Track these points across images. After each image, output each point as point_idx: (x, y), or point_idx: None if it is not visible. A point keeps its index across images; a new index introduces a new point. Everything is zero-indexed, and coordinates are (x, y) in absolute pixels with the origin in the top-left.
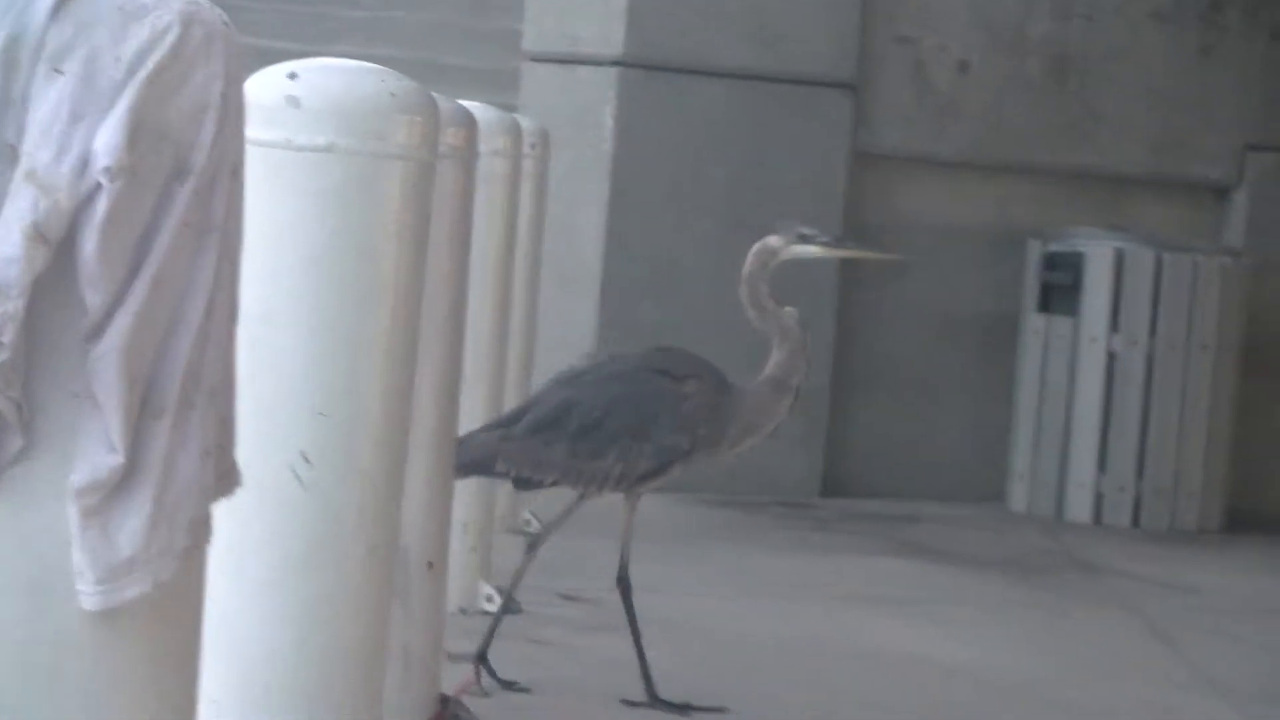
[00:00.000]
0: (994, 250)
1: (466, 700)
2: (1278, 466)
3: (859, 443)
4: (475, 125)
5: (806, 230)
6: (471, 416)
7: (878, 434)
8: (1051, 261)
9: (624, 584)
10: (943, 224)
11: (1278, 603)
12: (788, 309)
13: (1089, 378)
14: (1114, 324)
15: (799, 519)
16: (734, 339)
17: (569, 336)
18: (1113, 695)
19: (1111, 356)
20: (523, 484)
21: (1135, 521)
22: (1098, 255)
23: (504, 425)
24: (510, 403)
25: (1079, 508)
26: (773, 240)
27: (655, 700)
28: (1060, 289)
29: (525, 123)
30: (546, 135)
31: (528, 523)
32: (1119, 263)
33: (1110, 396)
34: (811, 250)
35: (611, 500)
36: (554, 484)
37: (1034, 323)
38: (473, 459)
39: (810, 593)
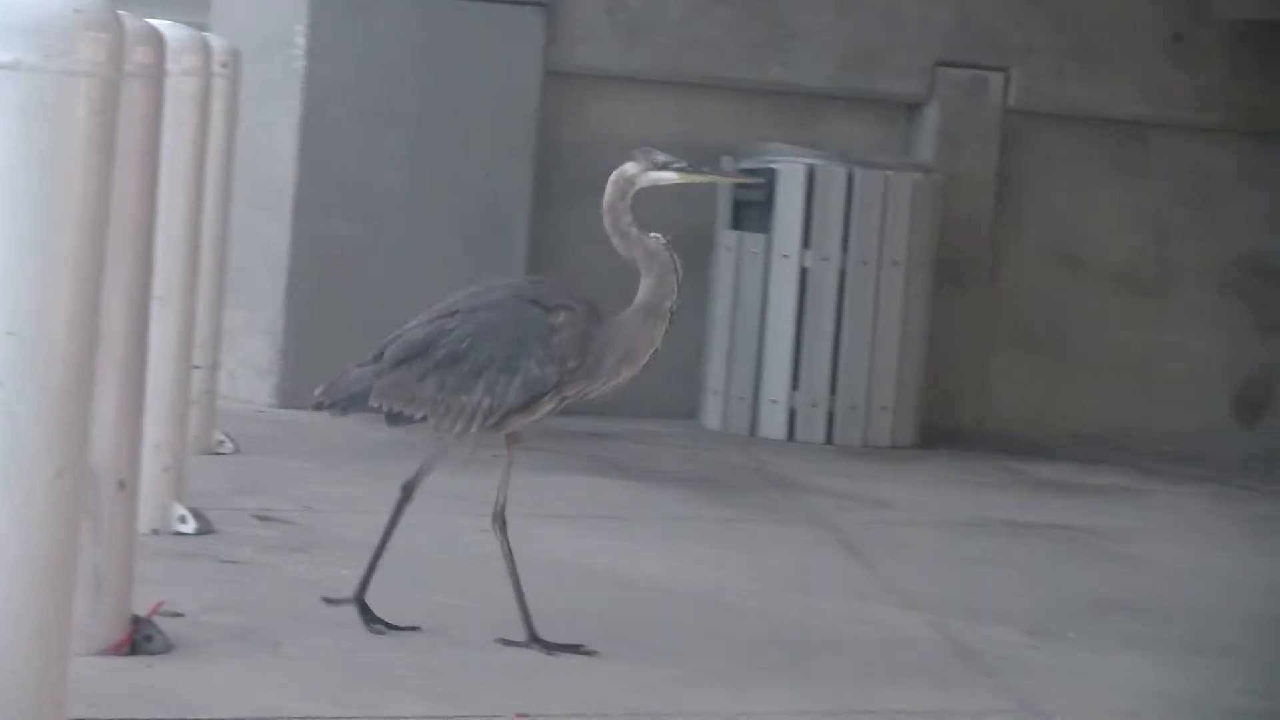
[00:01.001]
0: None
1: (158, 621)
2: (970, 381)
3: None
4: (164, 43)
5: (662, 156)
6: (163, 337)
7: None
8: None
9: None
10: (636, 141)
11: (967, 517)
12: (653, 234)
13: (782, 295)
14: (806, 240)
15: (496, 437)
16: (428, 255)
17: (262, 256)
18: (805, 608)
19: (804, 273)
20: (394, 419)
21: (829, 438)
22: (789, 172)
23: (377, 359)
24: (202, 324)
25: (773, 424)
26: (629, 167)
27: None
28: (752, 205)
29: (216, 41)
30: (238, 54)
31: (221, 443)
32: (810, 179)
33: (803, 313)
34: (668, 175)
35: (314, 420)
36: (423, 419)
37: (727, 239)
38: (348, 394)
39: (506, 509)
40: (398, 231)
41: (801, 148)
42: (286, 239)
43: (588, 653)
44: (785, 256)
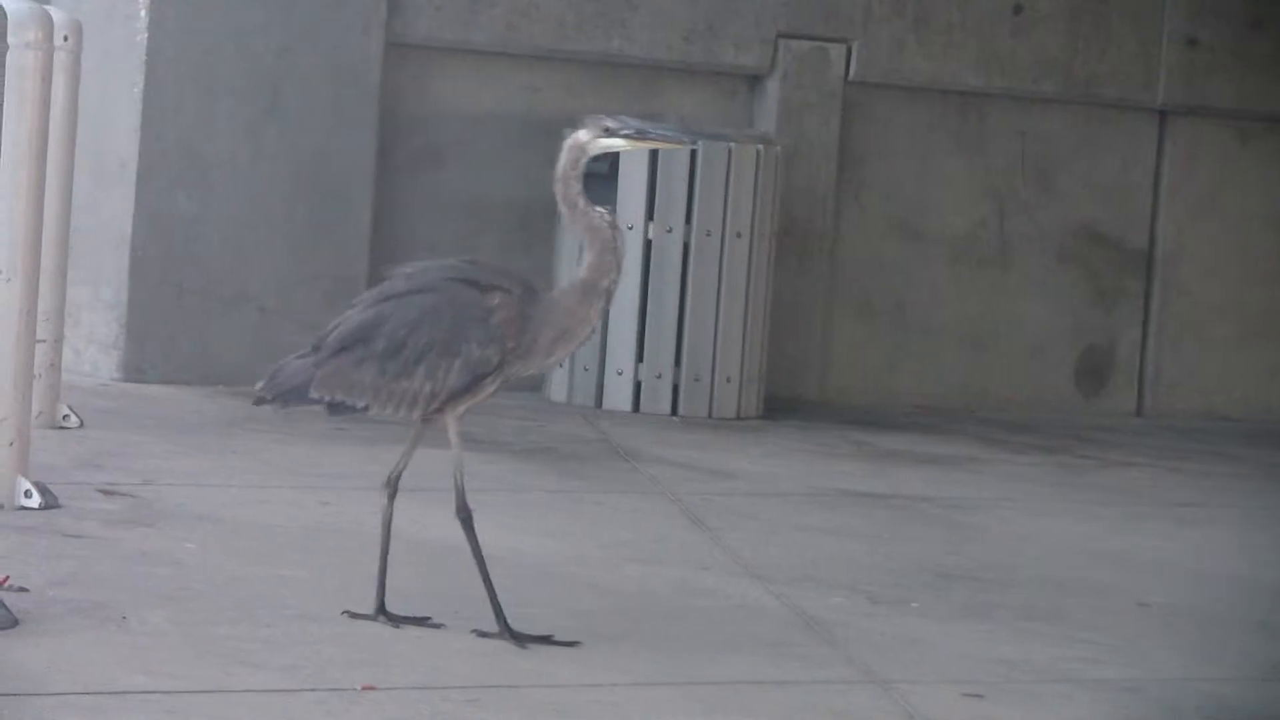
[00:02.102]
0: (528, 138)
1: (3, 596)
2: (814, 353)
3: None
4: (4, 17)
5: (611, 123)
6: (6, 312)
7: None
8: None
9: (464, 514)
10: (476, 112)
11: (810, 487)
12: (599, 209)
13: (626, 267)
14: (650, 212)
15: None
16: (271, 228)
17: (104, 230)
18: (650, 578)
19: (648, 245)
20: (335, 409)
21: (674, 409)
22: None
23: (316, 350)
24: (46, 298)
25: (618, 396)
26: (581, 135)
27: (508, 632)
28: (596, 177)
29: (57, 15)
30: (79, 27)
31: (66, 417)
32: (654, 151)
33: (647, 285)
34: (617, 143)
35: (159, 393)
36: (366, 408)
37: None
38: (289, 387)
39: (348, 482)
40: (240, 204)
41: (645, 119)
42: (129, 213)
43: (434, 625)
44: (629, 228)
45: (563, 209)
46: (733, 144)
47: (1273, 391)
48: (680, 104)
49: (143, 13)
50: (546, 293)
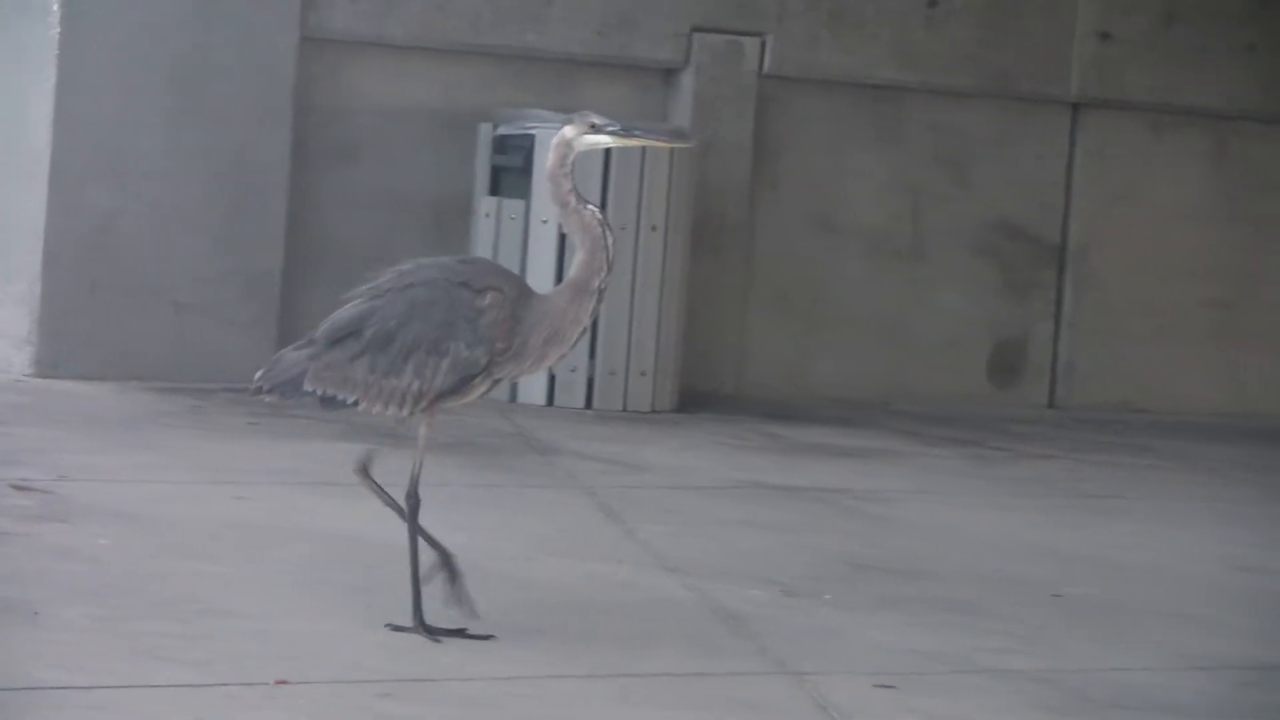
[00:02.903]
0: (444, 133)
1: None
2: (729, 346)
3: (311, 327)
4: None
5: (598, 119)
6: None
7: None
8: (501, 144)
9: (413, 501)
10: (392, 107)
11: (726, 480)
12: (590, 206)
13: (541, 260)
14: None
15: (252, 405)
16: (185, 222)
17: (17, 225)
18: (566, 572)
19: (563, 239)
20: (328, 404)
21: (589, 403)
22: (547, 138)
23: (312, 342)
24: None
25: (533, 390)
26: (568, 131)
27: (422, 626)
28: (510, 171)
29: None
30: None
31: None
32: None
33: (562, 279)
34: (603, 139)
35: (72, 389)
36: (356, 404)
37: (485, 205)
38: (284, 380)
39: (263, 477)
40: (154, 198)
41: (559, 113)
42: (42, 207)
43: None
44: (544, 222)
45: (555, 209)
46: None
47: (1185, 384)
48: (596, 98)
49: (56, 6)
50: (538, 294)
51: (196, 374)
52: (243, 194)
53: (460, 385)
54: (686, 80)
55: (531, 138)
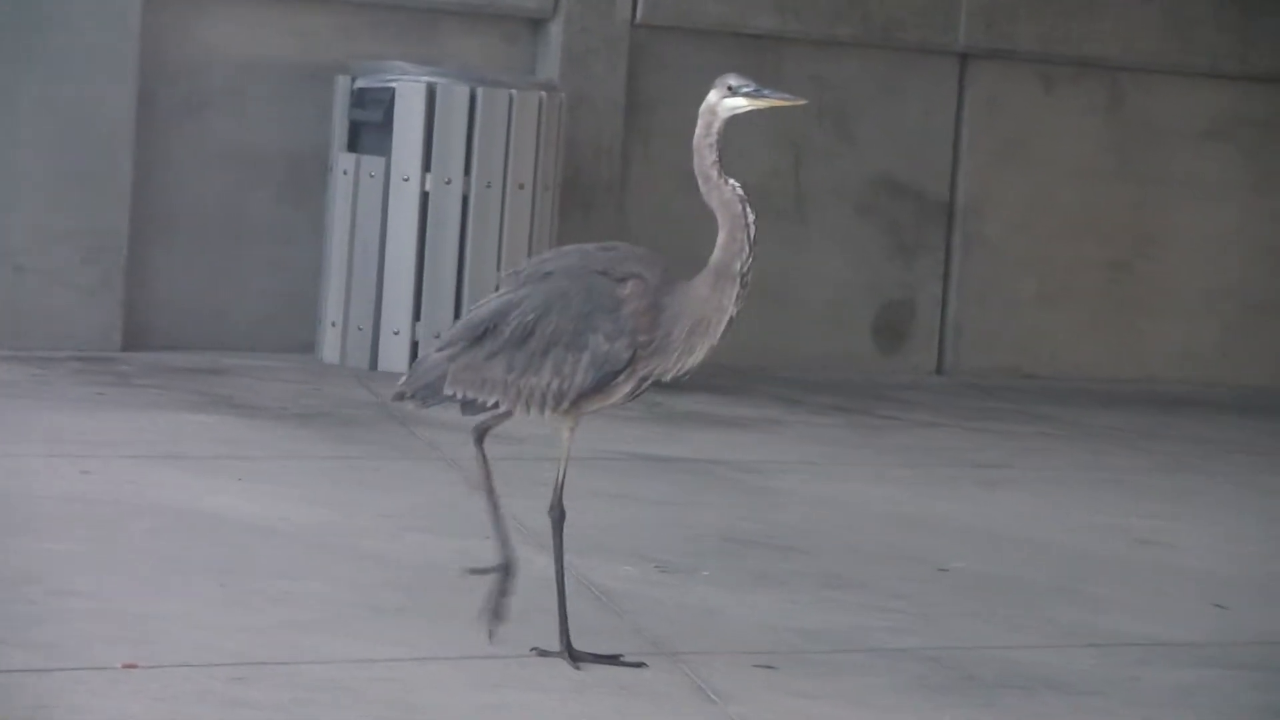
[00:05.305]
0: (299, 86)
1: None
2: None
3: (161, 292)
4: None
5: (734, 81)
6: None
7: (180, 282)
8: (360, 98)
9: (556, 514)
10: (244, 58)
11: (599, 450)
12: (731, 181)
13: (402, 220)
14: (427, 163)
15: (98, 374)
16: (26, 182)
17: None
18: (432, 548)
19: (425, 197)
20: (470, 407)
21: None
22: (408, 91)
23: (452, 343)
24: None
25: (395, 357)
26: (713, 96)
27: (569, 650)
28: (370, 126)
29: None
30: None
31: None
32: (431, 98)
33: (425, 240)
34: (739, 103)
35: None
36: (495, 406)
37: (343, 162)
38: (426, 382)
39: (110, 449)
40: None
41: (421, 65)
42: None
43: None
44: (405, 180)
45: (699, 181)
46: (514, 91)
47: (1078, 349)
48: (460, 49)
49: None
50: (681, 282)
51: (39, 341)
52: (87, 152)
53: (603, 383)
54: (555, 30)
55: (392, 91)
